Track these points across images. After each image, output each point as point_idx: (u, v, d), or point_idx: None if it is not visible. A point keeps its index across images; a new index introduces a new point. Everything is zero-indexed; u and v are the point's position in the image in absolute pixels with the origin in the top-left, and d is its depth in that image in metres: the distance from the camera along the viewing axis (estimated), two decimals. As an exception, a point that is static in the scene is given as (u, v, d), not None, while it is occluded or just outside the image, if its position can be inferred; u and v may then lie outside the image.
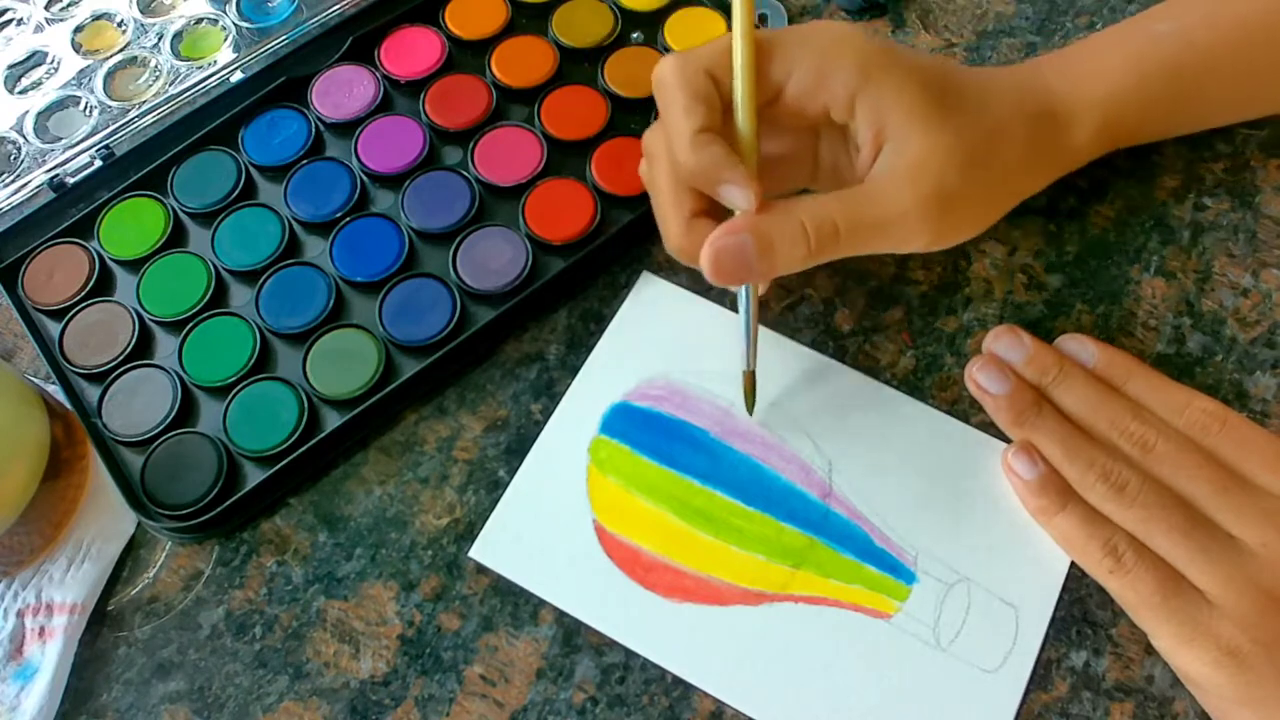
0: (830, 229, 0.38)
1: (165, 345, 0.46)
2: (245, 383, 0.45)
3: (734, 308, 0.46)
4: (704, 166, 0.37)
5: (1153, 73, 0.43)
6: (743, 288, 0.41)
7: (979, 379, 0.42)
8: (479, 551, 0.42)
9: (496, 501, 0.43)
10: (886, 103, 0.38)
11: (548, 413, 0.45)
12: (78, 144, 0.51)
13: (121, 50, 0.54)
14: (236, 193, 0.49)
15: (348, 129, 0.51)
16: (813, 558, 0.41)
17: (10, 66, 0.54)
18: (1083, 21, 0.53)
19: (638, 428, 0.44)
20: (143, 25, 0.55)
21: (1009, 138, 0.40)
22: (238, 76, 0.53)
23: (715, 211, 0.40)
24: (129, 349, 0.46)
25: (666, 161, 0.39)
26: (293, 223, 0.49)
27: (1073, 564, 0.40)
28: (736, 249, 0.37)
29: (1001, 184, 0.41)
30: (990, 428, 0.43)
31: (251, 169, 0.50)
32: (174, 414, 0.44)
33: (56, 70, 0.54)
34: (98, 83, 0.53)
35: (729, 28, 0.52)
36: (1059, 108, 0.42)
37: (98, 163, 0.51)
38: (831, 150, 0.42)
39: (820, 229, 0.37)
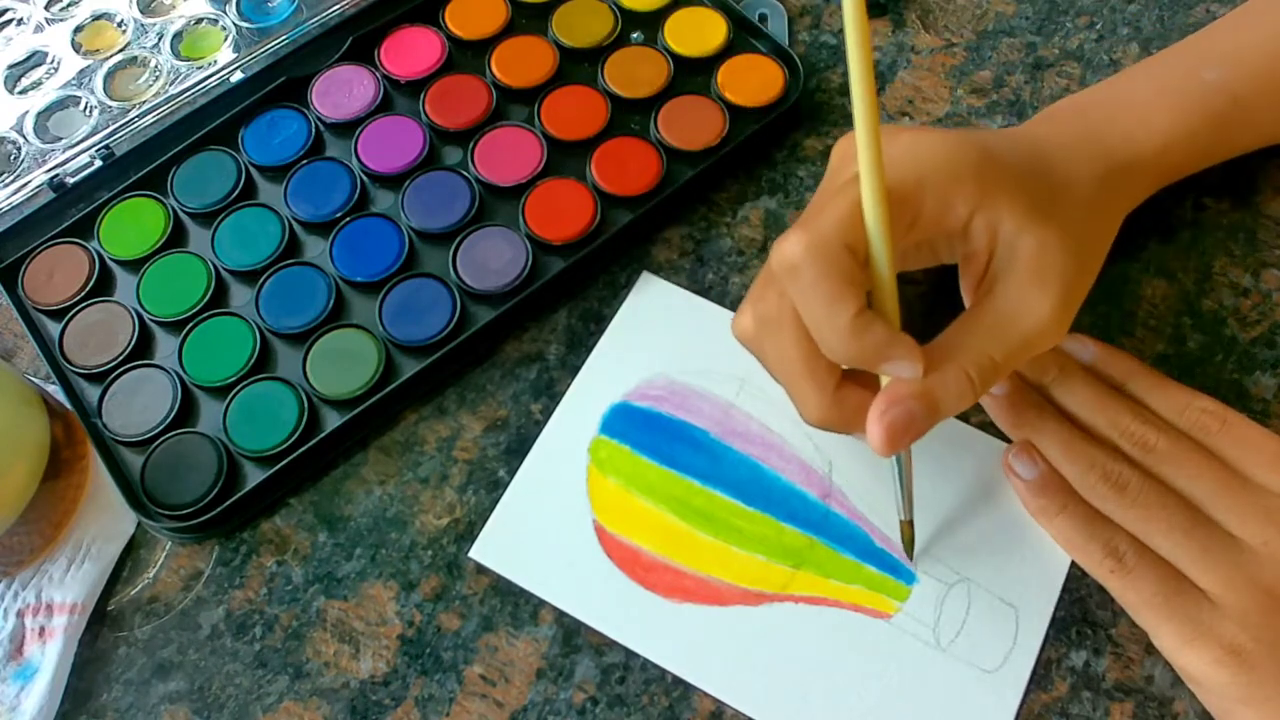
0: (990, 367, 0.36)
1: (165, 345, 0.46)
2: (245, 383, 0.45)
3: (732, 308, 0.46)
4: (864, 351, 0.34)
5: (1200, 128, 0.43)
6: (903, 461, 0.39)
7: None
8: (479, 552, 0.42)
9: (496, 501, 0.43)
10: (1000, 214, 0.36)
11: (548, 413, 0.45)
12: (78, 144, 0.51)
13: (121, 50, 0.54)
14: (236, 193, 0.49)
15: (348, 129, 0.51)
16: (813, 558, 0.41)
17: (10, 66, 0.54)
18: (1083, 21, 0.53)
19: (638, 428, 0.44)
20: (143, 25, 0.55)
21: (1097, 210, 0.40)
22: (238, 76, 0.53)
23: (854, 375, 0.38)
24: (129, 349, 0.46)
25: (802, 339, 0.36)
26: (293, 223, 0.49)
27: (1073, 564, 0.40)
28: (906, 420, 0.35)
29: (1100, 256, 0.41)
30: (990, 428, 0.43)
31: (251, 169, 0.50)
32: (174, 414, 0.44)
33: (56, 70, 0.54)
34: (98, 83, 0.53)
35: (729, 30, 0.52)
36: (1120, 165, 0.41)
37: (98, 163, 0.51)
38: (947, 248, 0.42)
39: (983, 372, 0.36)
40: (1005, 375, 0.37)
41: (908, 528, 0.41)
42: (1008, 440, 0.42)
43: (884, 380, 0.36)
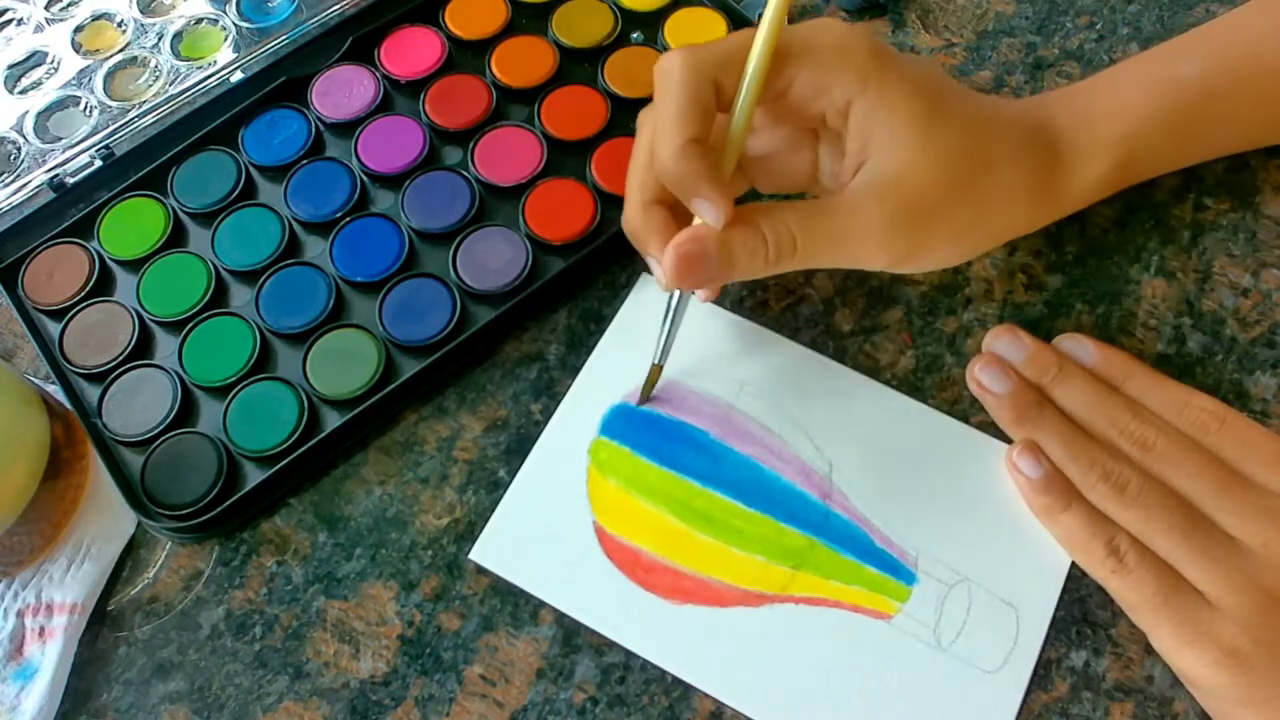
0: (788, 242, 0.38)
1: (165, 345, 0.46)
2: (245, 383, 0.45)
3: (732, 309, 0.46)
4: (682, 176, 0.37)
5: (1172, 118, 0.42)
6: (674, 299, 0.41)
7: (981, 378, 0.42)
8: (479, 554, 0.42)
9: (496, 502, 0.43)
10: (878, 115, 0.38)
11: (548, 413, 0.45)
12: (78, 144, 0.51)
13: (121, 50, 0.54)
14: (236, 193, 0.49)
15: (348, 129, 0.51)
16: (813, 559, 0.41)
17: (10, 66, 0.54)
18: (1083, 21, 0.53)
19: (638, 429, 0.44)
20: (143, 25, 0.55)
21: (1001, 167, 0.40)
22: (238, 76, 0.53)
23: (676, 205, 0.39)
24: (129, 349, 0.46)
25: (647, 148, 0.39)
26: (293, 223, 0.49)
27: (1073, 564, 0.40)
28: (699, 256, 0.38)
29: (986, 212, 0.41)
30: (990, 428, 0.43)
31: (251, 169, 0.50)
32: (174, 414, 0.44)
33: (56, 70, 0.54)
34: (98, 83, 0.53)
35: (729, 30, 0.52)
36: (1064, 144, 0.42)
37: (98, 163, 0.51)
38: (830, 156, 0.42)
39: (779, 241, 0.38)
40: (801, 263, 0.39)
41: (656, 371, 0.43)
42: (1008, 440, 0.42)
43: (695, 222, 0.39)
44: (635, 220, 0.40)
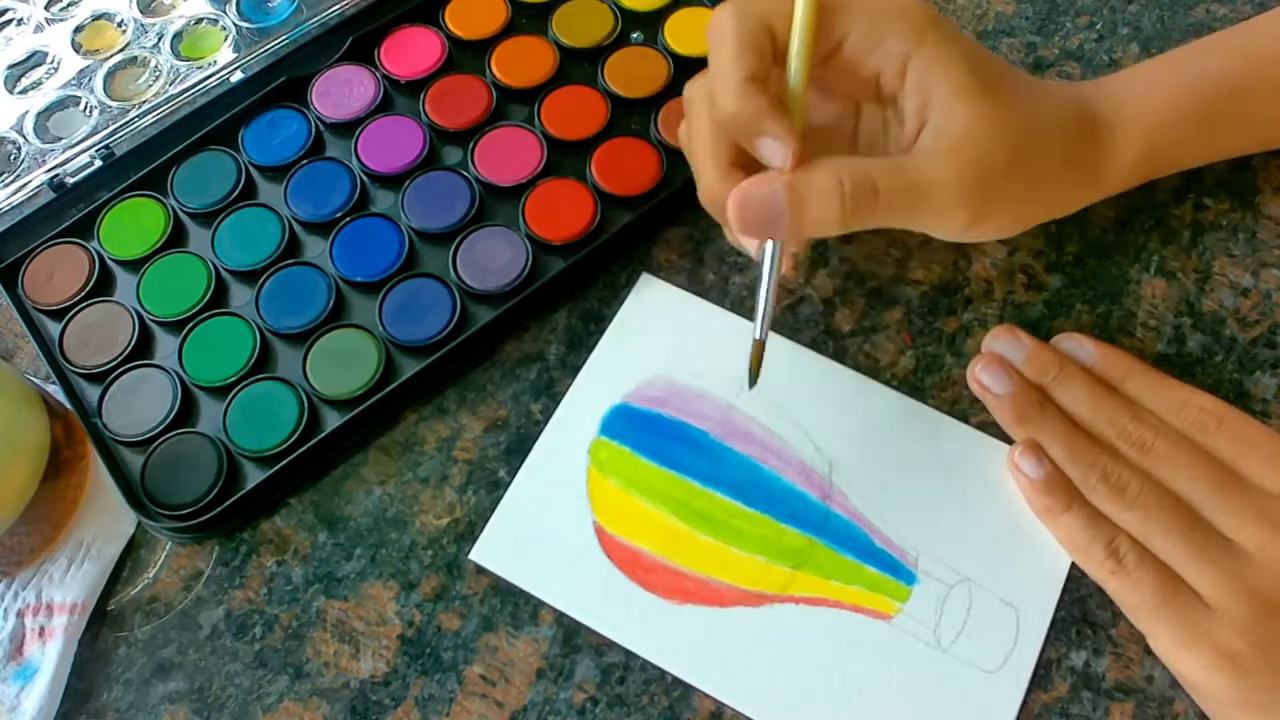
0: (869, 189, 0.36)
1: (165, 345, 0.46)
2: (245, 383, 0.45)
3: (732, 309, 0.46)
4: (747, 115, 0.36)
5: (1197, 112, 0.42)
6: (766, 251, 0.39)
7: (982, 378, 0.42)
8: (479, 554, 0.42)
9: (496, 502, 0.43)
10: (936, 74, 0.37)
11: (548, 413, 0.45)
12: (78, 144, 0.51)
13: (121, 50, 0.54)
14: (236, 193, 0.49)
15: (348, 129, 0.51)
16: (813, 559, 0.41)
17: (10, 66, 0.54)
18: (1083, 21, 0.53)
19: (637, 429, 0.44)
20: (143, 25, 0.55)
21: (1050, 140, 0.40)
22: (238, 76, 0.53)
23: (753, 168, 0.38)
24: (129, 349, 0.46)
25: (708, 110, 0.38)
26: (293, 223, 0.49)
27: (1073, 564, 0.40)
28: (767, 199, 0.36)
29: (1040, 185, 0.40)
30: (990, 428, 0.43)
31: (251, 169, 0.50)
32: (174, 414, 0.44)
33: (56, 70, 0.54)
34: (98, 83, 0.53)
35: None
36: (1103, 128, 0.42)
37: (98, 163, 0.51)
38: (870, 126, 0.42)
39: (859, 188, 0.36)
40: (880, 216, 0.37)
41: (759, 348, 0.40)
42: (1008, 440, 0.42)
43: None
44: (713, 184, 0.38)
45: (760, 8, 0.37)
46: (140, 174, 0.50)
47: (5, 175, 0.50)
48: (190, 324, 0.46)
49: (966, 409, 0.44)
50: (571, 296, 0.47)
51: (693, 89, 0.40)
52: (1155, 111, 0.42)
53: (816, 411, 0.44)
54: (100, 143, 0.51)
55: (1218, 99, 0.42)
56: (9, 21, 0.55)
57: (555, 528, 0.42)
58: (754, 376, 0.41)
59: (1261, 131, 0.45)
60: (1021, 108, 0.39)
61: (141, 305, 0.47)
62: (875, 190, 0.36)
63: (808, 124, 0.38)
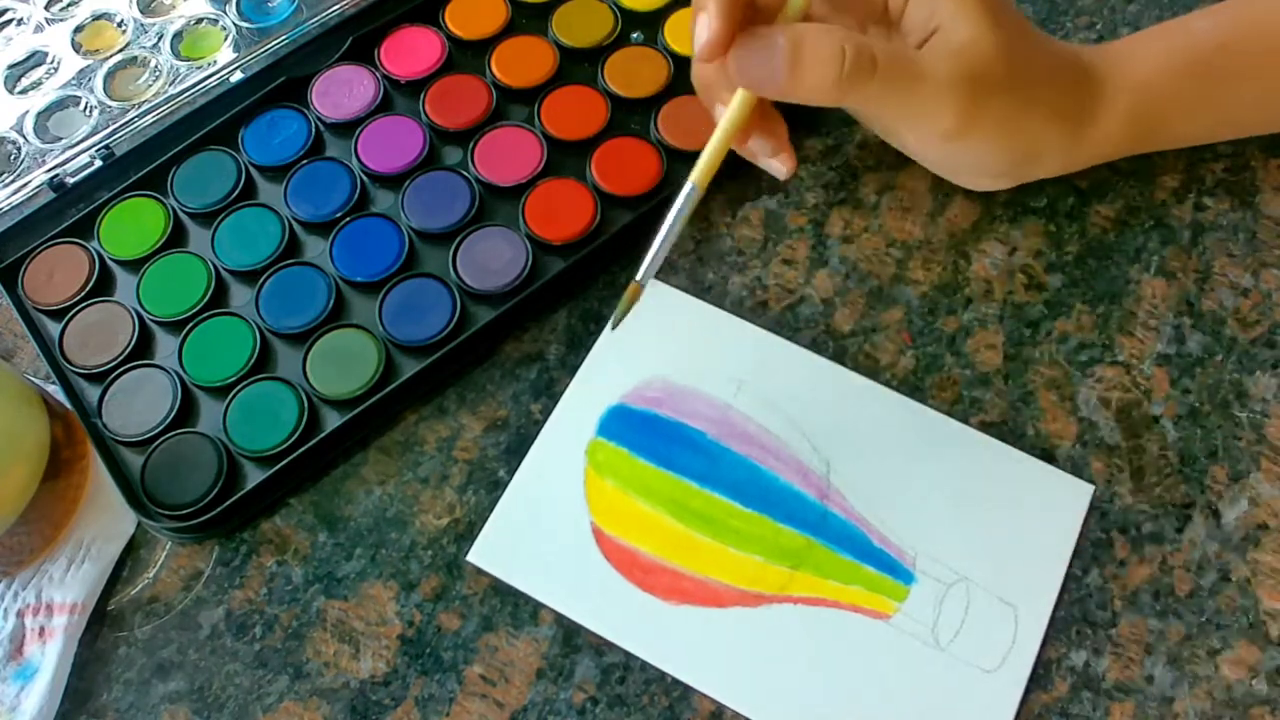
0: (868, 60, 0.36)
1: (165, 345, 0.46)
2: (245, 383, 0.45)
3: (731, 309, 0.46)
4: None
5: (1182, 69, 0.43)
6: (682, 194, 0.38)
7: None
8: (477, 556, 0.42)
9: (496, 502, 0.43)
10: None
11: (547, 413, 0.45)
12: (78, 144, 0.51)
13: (121, 50, 0.54)
14: (236, 193, 0.49)
15: (348, 129, 0.51)
16: (811, 558, 0.41)
17: (10, 66, 0.54)
18: (1083, 21, 0.53)
19: (635, 430, 0.44)
20: (143, 25, 0.55)
21: (1043, 76, 0.41)
22: (238, 76, 0.53)
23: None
24: (129, 349, 0.46)
25: None
26: (293, 223, 0.49)
27: (1072, 564, 0.40)
28: (767, 48, 0.36)
29: (1027, 114, 0.41)
30: (990, 428, 0.43)
31: (251, 169, 0.50)
32: (174, 414, 0.44)
33: (56, 70, 0.54)
34: (98, 83, 0.53)
35: None
36: (1094, 82, 0.42)
37: (98, 163, 0.51)
38: (895, 39, 0.42)
39: (859, 57, 0.36)
40: (873, 91, 0.37)
41: (635, 292, 0.38)
42: (1008, 440, 0.42)
43: None
44: (718, 31, 0.37)
45: None
46: (140, 174, 0.50)
47: (5, 175, 0.51)
48: (190, 324, 0.46)
49: (966, 409, 0.44)
50: (571, 296, 0.47)
51: None
52: (1144, 68, 0.43)
53: (814, 411, 0.44)
54: (100, 143, 0.51)
55: (1207, 54, 0.43)
56: (9, 21, 0.55)
57: (553, 529, 0.42)
58: (618, 318, 0.39)
59: (1253, 91, 0.45)
60: (1023, 39, 0.40)
61: (141, 305, 0.47)
62: (874, 62, 0.36)
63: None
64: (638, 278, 0.38)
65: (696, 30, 0.37)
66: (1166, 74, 0.43)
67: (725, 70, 0.37)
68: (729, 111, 0.38)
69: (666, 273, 0.47)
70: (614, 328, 0.40)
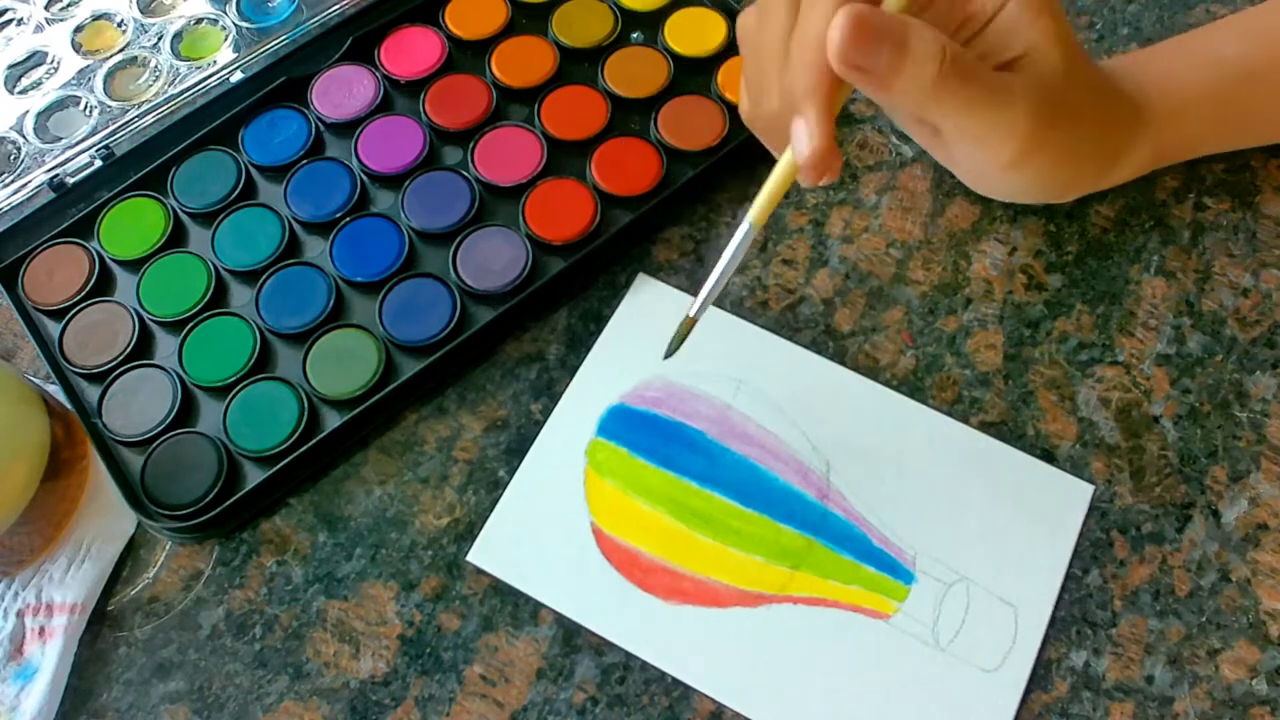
0: (965, 67, 0.36)
1: (165, 345, 0.46)
2: (245, 383, 0.45)
3: (731, 309, 0.46)
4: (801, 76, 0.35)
5: (1214, 98, 0.43)
6: (739, 232, 0.38)
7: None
8: (477, 556, 0.42)
9: (496, 502, 0.43)
10: (1031, 16, 0.37)
11: (547, 413, 0.45)
12: (78, 144, 0.51)
13: (121, 50, 0.54)
14: (236, 193, 0.49)
15: (348, 129, 0.51)
16: (811, 558, 0.41)
17: (10, 66, 0.54)
18: (1083, 21, 0.53)
19: (635, 430, 0.44)
20: (143, 25, 0.55)
21: (1100, 113, 0.41)
22: (238, 76, 0.53)
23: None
24: (129, 349, 0.46)
25: (789, 16, 0.37)
26: (293, 223, 0.49)
27: (1072, 564, 0.40)
28: (876, 28, 0.34)
29: (1074, 151, 0.41)
30: (990, 428, 0.43)
31: (251, 169, 0.50)
32: (174, 414, 0.44)
33: (56, 70, 0.54)
34: (98, 83, 0.53)
35: (729, 30, 0.52)
36: (1135, 118, 0.42)
37: (98, 163, 0.51)
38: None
39: (958, 62, 0.35)
40: (960, 100, 0.36)
41: (689, 325, 0.39)
42: (1008, 441, 0.42)
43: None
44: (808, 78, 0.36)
45: None
46: (140, 174, 0.50)
47: (5, 175, 0.51)
48: (190, 324, 0.46)
49: (966, 409, 0.44)
50: (571, 296, 0.47)
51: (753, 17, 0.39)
52: (1174, 101, 0.43)
53: (814, 411, 0.44)
54: (100, 143, 0.51)
55: (1234, 84, 0.43)
56: (9, 21, 0.55)
57: (553, 530, 0.42)
58: (672, 350, 0.40)
59: (1275, 119, 0.45)
60: (1086, 75, 0.40)
61: (141, 305, 0.47)
62: (968, 72, 0.36)
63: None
64: (692, 312, 0.39)
65: (797, 141, 0.36)
66: (1197, 102, 0.43)
67: (785, 115, 0.37)
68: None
69: (668, 272, 0.47)
70: (666, 358, 0.41)
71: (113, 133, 0.51)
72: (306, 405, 0.44)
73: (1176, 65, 0.44)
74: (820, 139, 0.35)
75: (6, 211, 0.50)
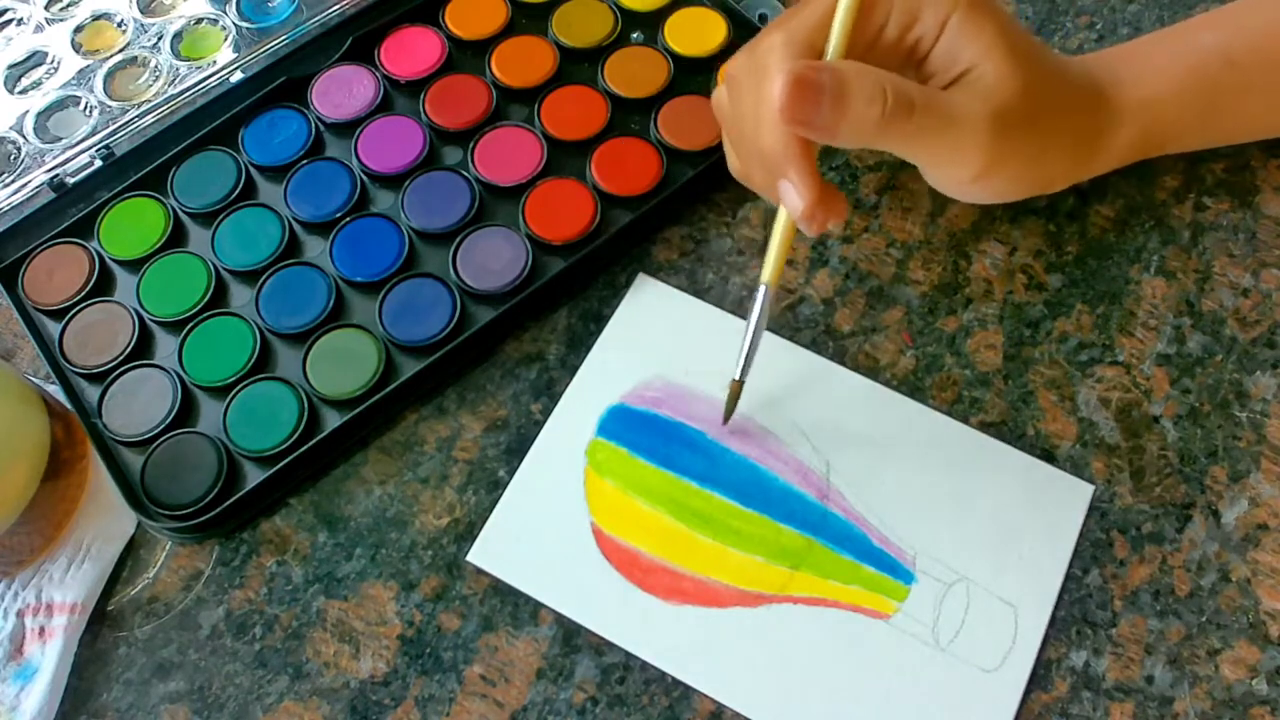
0: (907, 103, 0.37)
1: (165, 345, 0.46)
2: (245, 383, 0.45)
3: (730, 309, 0.46)
4: (778, 152, 0.37)
5: (1191, 85, 0.43)
6: (759, 295, 0.40)
7: None
8: (477, 556, 0.42)
9: (496, 502, 0.43)
10: (971, 29, 0.38)
11: (547, 413, 0.45)
12: (78, 144, 0.51)
13: (121, 50, 0.54)
14: (236, 193, 0.49)
15: (348, 129, 0.51)
16: (811, 558, 0.41)
17: (10, 66, 0.54)
18: (1083, 21, 0.53)
19: (635, 430, 0.44)
20: (143, 25, 0.55)
21: (1063, 110, 0.41)
22: (238, 76, 0.53)
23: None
24: (129, 349, 0.46)
25: (755, 87, 0.38)
26: (293, 223, 0.49)
27: (1072, 564, 0.40)
28: (814, 84, 0.36)
29: (1045, 151, 0.41)
30: (990, 428, 0.43)
31: (251, 169, 0.50)
32: (174, 414, 0.44)
33: (56, 70, 0.54)
34: (98, 83, 0.53)
35: (729, 30, 0.52)
36: (1103, 103, 0.42)
37: (98, 163, 0.51)
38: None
39: (899, 99, 0.37)
40: (911, 133, 0.38)
41: (736, 388, 0.42)
42: (1008, 441, 0.42)
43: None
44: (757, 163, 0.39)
45: (804, 23, 0.38)
46: (140, 174, 0.50)
47: (5, 175, 0.51)
48: (190, 324, 0.46)
49: (966, 409, 0.44)
50: (571, 296, 0.47)
51: (739, 65, 0.40)
52: (1152, 85, 0.43)
53: (814, 411, 0.44)
54: (100, 143, 0.51)
55: (1215, 71, 0.43)
56: (9, 21, 0.55)
57: (553, 530, 0.42)
58: (728, 414, 0.43)
59: (1261, 106, 0.45)
60: (1044, 73, 0.40)
61: (141, 305, 0.47)
62: (912, 105, 0.37)
63: None
64: (736, 376, 0.42)
65: (788, 202, 0.38)
66: (1176, 91, 0.43)
67: (776, 159, 0.38)
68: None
69: (668, 272, 0.48)
70: (725, 423, 0.43)
71: (113, 133, 0.51)
72: (306, 405, 0.44)
73: (1154, 53, 0.44)
74: (809, 194, 0.37)
75: (6, 211, 0.50)
